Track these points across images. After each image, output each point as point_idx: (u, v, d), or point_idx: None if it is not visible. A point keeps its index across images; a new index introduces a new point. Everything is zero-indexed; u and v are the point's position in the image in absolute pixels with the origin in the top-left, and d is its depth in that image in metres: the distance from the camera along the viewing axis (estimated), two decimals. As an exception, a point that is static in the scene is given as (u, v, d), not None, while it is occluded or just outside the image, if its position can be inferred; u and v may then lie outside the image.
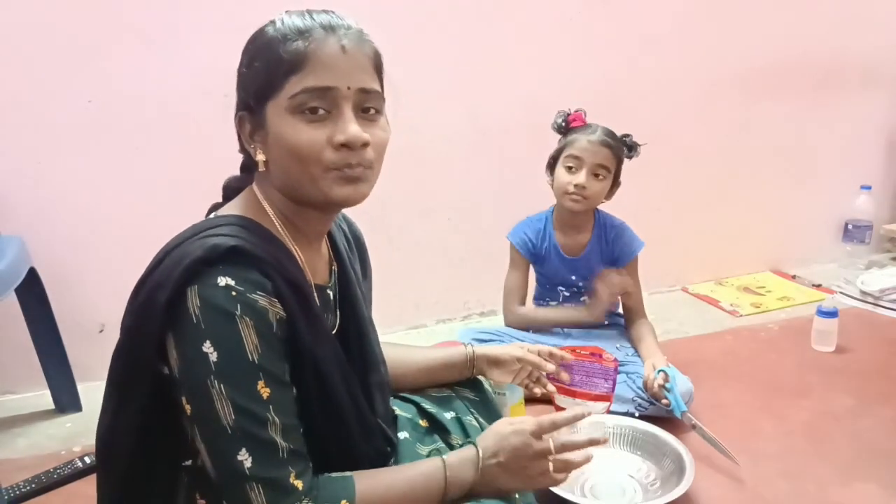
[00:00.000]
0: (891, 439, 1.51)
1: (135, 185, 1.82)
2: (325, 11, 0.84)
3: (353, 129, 0.81)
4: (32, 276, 1.63)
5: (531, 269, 1.88)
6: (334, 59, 0.81)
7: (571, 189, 1.68)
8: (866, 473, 1.38)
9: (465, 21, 2.05)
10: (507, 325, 1.86)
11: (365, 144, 0.82)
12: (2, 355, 1.82)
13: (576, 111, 1.75)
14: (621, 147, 1.71)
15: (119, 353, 0.83)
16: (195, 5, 1.79)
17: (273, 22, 0.84)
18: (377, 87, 0.85)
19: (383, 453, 1.00)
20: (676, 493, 1.22)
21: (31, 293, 1.65)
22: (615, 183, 1.74)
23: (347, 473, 0.86)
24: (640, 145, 1.73)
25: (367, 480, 0.86)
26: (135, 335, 0.80)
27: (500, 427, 0.95)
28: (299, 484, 0.79)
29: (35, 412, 1.77)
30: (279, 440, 0.78)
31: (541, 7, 2.12)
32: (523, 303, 1.87)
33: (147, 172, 1.83)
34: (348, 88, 0.81)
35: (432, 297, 2.24)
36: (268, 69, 0.81)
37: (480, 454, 0.91)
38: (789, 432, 1.54)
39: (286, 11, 0.85)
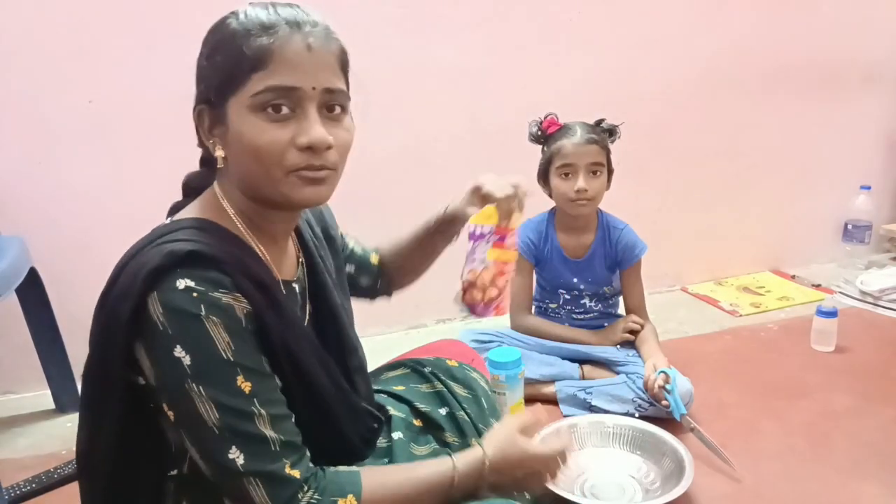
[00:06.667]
0: (891, 439, 1.50)
1: (134, 185, 1.82)
2: (290, 5, 0.81)
3: (317, 131, 0.78)
4: (33, 276, 1.63)
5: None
6: (299, 58, 0.77)
7: (574, 196, 1.67)
8: (866, 473, 1.38)
9: (466, 21, 2.05)
10: (513, 329, 1.85)
11: (329, 147, 0.80)
12: (2, 355, 1.82)
13: (547, 116, 1.72)
14: (605, 137, 1.71)
15: (89, 369, 0.81)
16: (195, 5, 1.78)
17: (236, 14, 0.81)
18: (342, 85, 0.83)
19: (372, 430, 1.00)
20: (676, 493, 1.22)
21: (32, 293, 1.65)
22: (609, 171, 1.73)
23: (354, 468, 0.86)
24: (617, 126, 1.72)
25: (374, 477, 0.86)
26: (104, 349, 0.79)
27: (517, 445, 0.95)
28: (296, 473, 0.78)
29: (35, 412, 1.77)
30: (268, 432, 0.77)
31: (541, 7, 2.12)
32: (530, 306, 1.87)
33: (147, 172, 1.82)
34: (313, 89, 0.78)
35: (432, 297, 2.22)
36: (230, 64, 0.78)
37: (488, 464, 0.91)
38: (789, 432, 1.54)
39: (249, 3, 0.81)
